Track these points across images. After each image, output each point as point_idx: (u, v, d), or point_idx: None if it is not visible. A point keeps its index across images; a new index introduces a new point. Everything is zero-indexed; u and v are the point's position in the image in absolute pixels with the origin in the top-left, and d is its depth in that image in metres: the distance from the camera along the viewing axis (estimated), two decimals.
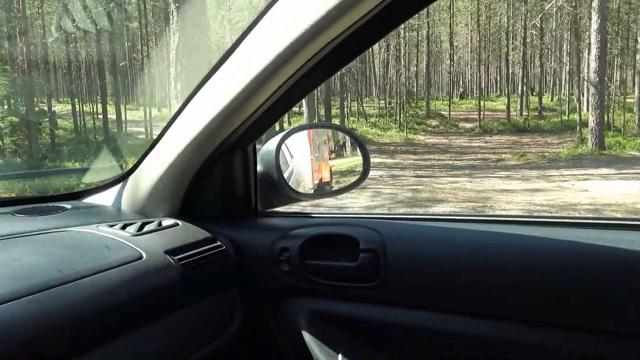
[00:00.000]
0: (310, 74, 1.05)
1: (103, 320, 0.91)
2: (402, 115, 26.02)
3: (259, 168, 1.34)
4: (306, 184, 1.45)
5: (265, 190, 1.34)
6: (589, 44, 18.76)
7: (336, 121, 22.61)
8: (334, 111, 23.28)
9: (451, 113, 29.98)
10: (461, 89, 39.42)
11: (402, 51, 28.59)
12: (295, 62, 0.99)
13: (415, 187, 10.98)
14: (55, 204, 1.35)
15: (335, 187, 1.45)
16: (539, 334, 0.99)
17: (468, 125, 27.34)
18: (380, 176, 12.80)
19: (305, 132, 1.44)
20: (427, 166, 15.12)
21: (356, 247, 1.14)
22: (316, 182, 1.45)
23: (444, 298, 1.07)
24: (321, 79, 1.11)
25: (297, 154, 1.44)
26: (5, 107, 18.54)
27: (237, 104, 1.09)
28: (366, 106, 30.21)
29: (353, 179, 1.39)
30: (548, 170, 12.93)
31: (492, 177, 12.32)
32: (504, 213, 5.58)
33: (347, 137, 1.51)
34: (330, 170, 1.46)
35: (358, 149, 1.43)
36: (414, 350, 1.11)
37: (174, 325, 1.08)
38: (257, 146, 1.34)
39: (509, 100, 28.25)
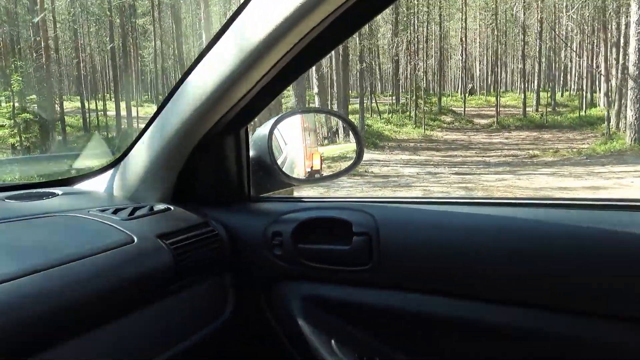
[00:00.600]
0: (300, 56, 1.04)
1: (94, 304, 0.90)
2: (416, 112, 25.64)
3: (251, 153, 1.32)
4: (299, 171, 1.43)
5: (258, 176, 1.33)
6: (619, 37, 18.41)
7: (354, 118, 22.22)
8: (350, 107, 22.96)
9: (461, 109, 29.65)
10: (470, 85, 39.05)
11: (415, 47, 28.21)
12: (284, 45, 0.98)
13: (464, 185, 10.60)
14: (46, 190, 1.32)
15: (328, 172, 1.43)
16: (533, 317, 0.98)
17: (483, 121, 27.02)
18: (417, 173, 12.42)
19: (298, 118, 1.42)
20: (459, 163, 14.77)
21: (349, 231, 1.12)
22: (307, 170, 1.43)
23: (437, 281, 1.06)
24: (311, 61, 1.09)
25: (290, 141, 1.42)
26: (17, 104, 18.00)
27: (226, 87, 1.08)
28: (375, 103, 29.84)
29: (347, 164, 1.39)
30: (592, 167, 12.60)
31: (536, 174, 11.98)
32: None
33: (340, 123, 1.46)
34: (321, 158, 1.44)
35: (351, 134, 1.41)
36: (407, 334, 1.10)
37: (167, 310, 1.07)
38: (250, 132, 1.33)
39: (525, 96, 27.94)
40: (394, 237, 1.09)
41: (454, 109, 30.63)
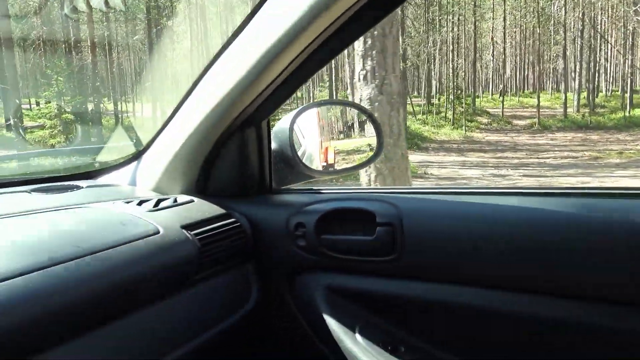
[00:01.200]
0: (322, 48, 1.04)
1: (122, 293, 0.91)
2: (453, 113, 25.11)
3: (273, 145, 1.32)
4: (317, 164, 1.41)
5: (279, 168, 1.33)
6: None
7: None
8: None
9: (495, 110, 29.01)
10: (502, 86, 38.35)
11: (452, 47, 27.65)
12: (307, 37, 0.99)
13: None
14: (71, 183, 1.35)
15: (343, 165, 1.43)
16: (558, 307, 0.96)
17: (521, 122, 26.39)
18: (483, 175, 11.89)
19: (314, 112, 1.42)
20: (520, 165, 14.16)
21: (372, 222, 1.12)
22: (323, 164, 1.41)
23: (461, 271, 1.04)
24: (333, 53, 1.08)
25: (307, 135, 1.40)
26: (54, 104, 17.83)
27: (249, 79, 1.08)
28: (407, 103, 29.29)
29: (367, 156, 1.40)
30: None
31: (615, 176, 11.36)
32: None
33: (356, 118, 1.50)
34: (335, 152, 1.43)
35: (372, 126, 1.42)
36: (432, 324, 1.10)
37: (191, 299, 1.08)
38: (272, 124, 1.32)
39: (566, 96, 27.22)
40: (418, 227, 1.09)
41: (488, 109, 30.00)
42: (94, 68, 19.37)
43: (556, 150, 17.47)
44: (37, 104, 17.61)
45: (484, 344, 1.05)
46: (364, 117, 1.50)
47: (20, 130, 16.88)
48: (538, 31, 29.40)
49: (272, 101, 1.19)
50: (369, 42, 4.81)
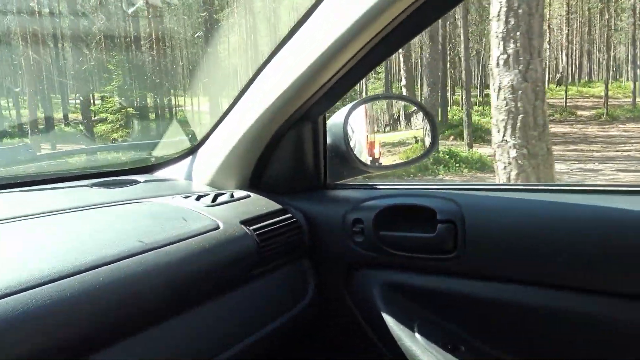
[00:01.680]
0: (383, 42, 1.03)
1: (184, 287, 0.92)
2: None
3: (327, 140, 1.32)
4: (366, 159, 1.37)
5: (333, 163, 1.33)
6: None
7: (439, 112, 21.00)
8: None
9: (553, 101, 27.74)
10: (559, 75, 36.70)
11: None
12: (369, 32, 0.98)
13: None
14: (129, 177, 1.38)
15: (390, 160, 1.41)
16: (622, 307, 0.94)
17: (585, 113, 25.10)
18: (571, 170, 11.14)
19: (363, 106, 1.37)
20: (606, 158, 13.26)
21: (432, 218, 1.11)
22: (369, 158, 1.38)
23: (524, 270, 1.03)
24: (394, 48, 1.07)
25: (356, 129, 1.37)
26: (116, 98, 17.95)
27: (309, 75, 1.08)
28: (456, 95, 28.35)
29: (422, 150, 1.39)
30: None
31: None
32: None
33: (402, 110, 1.48)
34: (380, 146, 1.41)
35: (426, 120, 1.40)
36: (493, 324, 1.08)
37: (248, 296, 1.08)
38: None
39: (635, 85, 25.72)
40: (480, 225, 1.07)
41: (547, 100, 28.71)
42: (153, 63, 19.41)
43: (633, 143, 16.41)
44: (102, 99, 17.72)
45: (546, 345, 1.03)
46: (412, 109, 1.47)
47: (82, 126, 17.10)
48: (606, 16, 27.88)
49: (330, 96, 1.18)
50: (512, 21, 4.28)
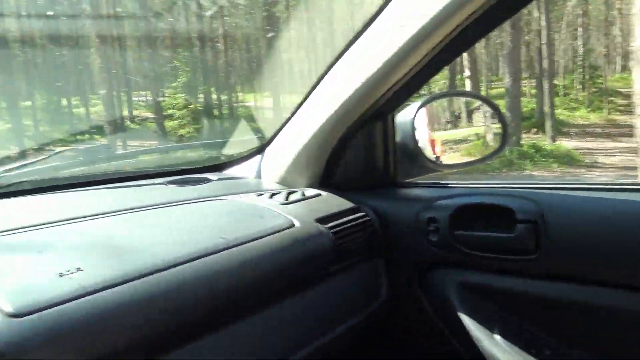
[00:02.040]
0: (458, 38, 1.01)
1: (263, 284, 0.92)
2: (589, 93, 22.80)
3: (396, 138, 1.32)
4: (430, 157, 1.37)
5: (402, 160, 1.33)
6: None
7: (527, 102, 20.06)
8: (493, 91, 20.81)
9: (627, 90, 26.02)
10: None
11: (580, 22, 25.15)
12: (445, 29, 0.97)
13: None
14: (202, 175, 1.41)
15: (451, 158, 1.39)
16: None
17: None
18: None
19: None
20: None
21: (510, 218, 1.08)
22: (433, 157, 1.38)
23: (608, 272, 1.00)
24: (469, 44, 1.06)
25: (419, 127, 1.35)
26: (182, 96, 18.14)
27: (382, 74, 1.07)
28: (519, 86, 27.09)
29: (494, 147, 1.36)
30: None
31: None
32: None
33: (464, 108, 1.46)
34: (441, 144, 1.39)
35: (494, 116, 1.38)
36: (578, 327, 1.04)
37: (325, 293, 1.08)
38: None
39: None
40: (563, 225, 1.04)
41: (619, 89, 27.06)
42: (219, 60, 19.54)
43: None
44: (168, 95, 17.99)
45: (636, 350, 0.98)
46: (473, 105, 1.43)
47: (151, 123, 17.45)
48: None
49: (401, 94, 1.18)
50: None
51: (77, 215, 0.97)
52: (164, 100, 18.05)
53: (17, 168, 1.38)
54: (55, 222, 0.93)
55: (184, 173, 1.42)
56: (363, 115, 1.19)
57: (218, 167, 1.55)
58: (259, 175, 1.43)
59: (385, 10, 1.01)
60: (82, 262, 0.75)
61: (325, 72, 1.17)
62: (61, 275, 0.71)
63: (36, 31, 15.75)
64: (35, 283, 0.69)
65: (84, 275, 0.72)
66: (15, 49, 15.95)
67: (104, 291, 0.70)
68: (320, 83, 1.19)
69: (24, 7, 16.74)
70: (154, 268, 0.77)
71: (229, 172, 1.52)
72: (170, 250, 0.82)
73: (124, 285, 0.72)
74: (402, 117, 1.30)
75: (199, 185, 1.30)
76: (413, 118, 1.27)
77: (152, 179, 1.33)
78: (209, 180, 1.36)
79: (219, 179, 1.39)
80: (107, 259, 0.77)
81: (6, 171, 1.34)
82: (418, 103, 1.29)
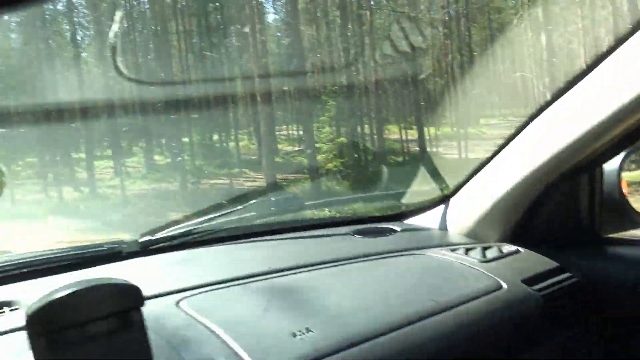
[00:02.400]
0: None
1: (471, 351, 0.89)
2: None
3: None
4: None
5: (605, 214, 1.24)
6: None
7: None
8: None
9: None
10: None
11: None
12: None
13: None
14: (385, 225, 1.42)
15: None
16: None
17: None
18: None
19: None
20: None
21: None
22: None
23: None
24: None
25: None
26: (330, 128, 18.13)
27: (603, 127, 0.99)
28: None
29: None
30: None
31: None
32: None
33: None
34: (627, 185, 1.27)
35: None
36: None
37: None
38: None
39: None
40: None
41: None
42: (379, 94, 19.25)
43: None
44: (316, 129, 18.28)
45: None
46: None
47: (303, 157, 17.77)
48: None
49: (623, 144, 1.09)
50: None
51: (282, 267, 1.03)
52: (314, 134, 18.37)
53: (219, 217, 1.39)
54: (262, 275, 0.98)
55: (367, 222, 1.47)
56: (576, 165, 1.11)
57: (399, 216, 1.54)
58: (443, 227, 1.40)
59: (604, 60, 0.94)
60: (310, 322, 0.80)
61: (533, 116, 1.10)
62: (294, 335, 0.76)
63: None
64: (272, 344, 0.74)
65: (315, 337, 0.76)
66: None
67: (334, 355, 0.73)
68: (522, 131, 1.13)
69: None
70: (375, 332, 0.78)
71: (411, 221, 1.51)
72: (386, 312, 0.84)
73: (352, 349, 0.74)
74: (606, 166, 1.22)
75: (385, 237, 1.31)
76: (620, 167, 1.19)
77: (337, 228, 1.37)
78: (394, 231, 1.37)
79: (403, 230, 1.38)
80: (331, 321, 0.80)
81: (206, 220, 1.36)
82: (625, 152, 1.19)
